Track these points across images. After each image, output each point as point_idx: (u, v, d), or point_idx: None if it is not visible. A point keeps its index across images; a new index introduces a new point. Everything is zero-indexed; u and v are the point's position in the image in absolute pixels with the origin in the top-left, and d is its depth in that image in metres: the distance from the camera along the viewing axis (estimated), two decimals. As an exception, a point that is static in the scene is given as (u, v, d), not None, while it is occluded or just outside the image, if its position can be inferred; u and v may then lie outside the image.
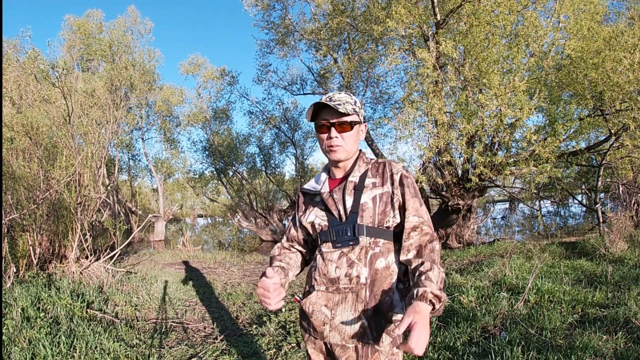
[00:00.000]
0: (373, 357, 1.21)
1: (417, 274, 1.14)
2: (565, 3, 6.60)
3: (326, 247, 1.29)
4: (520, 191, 11.22)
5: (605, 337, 2.72)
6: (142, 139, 16.06)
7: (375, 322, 1.20)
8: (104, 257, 5.27)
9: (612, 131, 6.80)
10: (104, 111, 6.06)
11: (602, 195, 8.75)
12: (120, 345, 3.03)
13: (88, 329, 3.24)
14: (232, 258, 8.48)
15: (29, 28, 14.32)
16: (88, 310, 3.82)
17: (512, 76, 6.62)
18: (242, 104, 24.50)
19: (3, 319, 3.20)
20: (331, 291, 1.26)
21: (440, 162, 7.84)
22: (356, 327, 1.21)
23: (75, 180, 4.93)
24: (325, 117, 1.29)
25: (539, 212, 13.63)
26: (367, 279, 1.22)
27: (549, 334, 2.83)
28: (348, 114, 1.28)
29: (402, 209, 1.27)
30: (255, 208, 15.31)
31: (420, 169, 7.68)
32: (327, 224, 1.30)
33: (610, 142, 7.10)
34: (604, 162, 7.30)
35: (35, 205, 4.84)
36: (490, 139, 7.58)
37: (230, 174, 15.80)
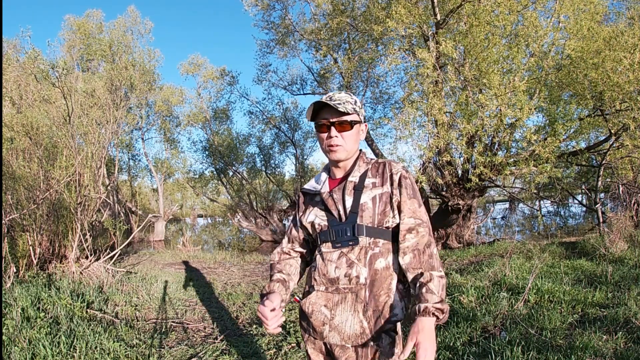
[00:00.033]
0: (373, 358, 1.21)
1: (417, 285, 1.16)
2: (565, 3, 6.60)
3: (326, 247, 1.29)
4: (520, 191, 11.22)
5: (605, 337, 2.72)
6: (142, 139, 16.08)
7: (374, 322, 1.20)
8: (104, 257, 5.27)
9: (612, 131, 6.80)
10: (104, 111, 6.06)
11: (602, 195, 8.75)
12: (120, 345, 3.03)
13: (88, 329, 3.24)
14: (232, 258, 8.48)
15: (29, 28, 14.37)
16: (88, 310, 3.82)
17: (512, 76, 6.62)
18: (242, 104, 24.51)
19: (3, 319, 3.20)
20: (331, 291, 1.26)
21: (440, 162, 7.84)
22: (356, 327, 1.21)
23: (75, 180, 4.93)
24: (325, 116, 1.29)
25: (539, 212, 13.63)
26: (366, 279, 1.22)
27: (549, 334, 2.83)
28: (348, 113, 1.27)
29: (399, 210, 1.27)
30: (255, 208, 15.32)
31: (420, 169, 7.68)
32: (326, 224, 1.30)
33: (610, 142, 7.10)
34: (604, 162, 7.30)
35: (35, 205, 4.84)
36: (490, 139, 7.58)
37: (230, 174, 15.80)
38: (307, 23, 11.62)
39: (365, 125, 1.40)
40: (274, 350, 3.07)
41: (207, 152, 15.48)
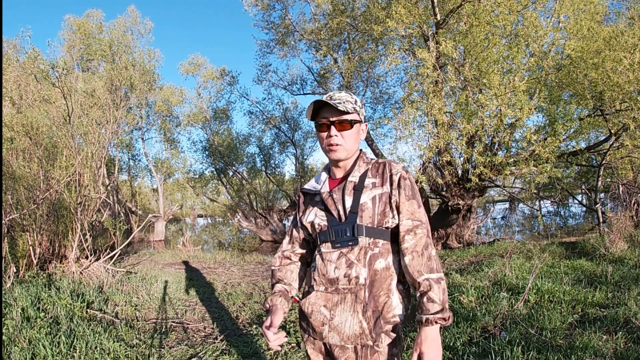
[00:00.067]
0: (372, 358, 1.21)
1: (418, 294, 1.19)
2: (565, 3, 6.60)
3: (325, 248, 1.28)
4: (520, 191, 11.22)
5: (605, 337, 2.72)
6: (142, 139, 16.09)
7: (374, 323, 1.20)
8: (104, 257, 5.27)
9: (612, 131, 6.80)
10: (104, 111, 6.06)
11: (602, 195, 8.75)
12: (120, 345, 3.03)
13: (88, 329, 3.24)
14: (232, 258, 8.48)
15: (29, 28, 14.39)
16: (88, 310, 3.82)
17: (512, 76, 6.62)
18: (242, 104, 24.51)
19: (3, 319, 3.20)
20: (330, 292, 1.25)
21: (440, 162, 7.84)
22: (355, 327, 1.20)
23: (75, 180, 4.93)
24: (325, 115, 1.29)
25: (539, 212, 13.63)
26: (366, 280, 1.21)
27: (549, 334, 2.83)
28: (348, 113, 1.27)
29: (398, 211, 1.27)
30: (255, 208, 15.32)
31: (420, 169, 7.68)
32: (326, 224, 1.30)
33: (610, 142, 7.10)
34: (604, 162, 7.30)
35: (35, 205, 4.84)
36: (490, 139, 7.58)
37: (230, 174, 15.81)
38: (307, 23, 11.63)
39: (366, 125, 1.40)
40: (274, 350, 3.07)
41: (207, 152, 15.49)
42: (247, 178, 15.63)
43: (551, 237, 8.64)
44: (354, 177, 1.31)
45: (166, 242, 14.76)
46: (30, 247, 4.88)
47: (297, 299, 1.36)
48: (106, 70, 10.48)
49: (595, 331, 2.81)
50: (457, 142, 6.94)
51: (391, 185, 1.28)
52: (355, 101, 1.31)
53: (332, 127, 1.27)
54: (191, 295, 5.00)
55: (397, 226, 1.27)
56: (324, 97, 1.28)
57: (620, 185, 7.66)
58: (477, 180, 7.14)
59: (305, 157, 15.61)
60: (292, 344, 3.13)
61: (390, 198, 1.26)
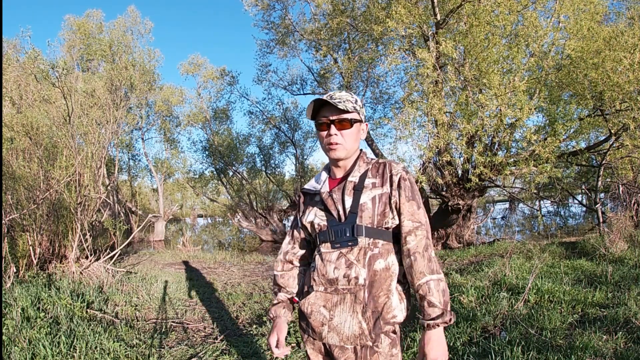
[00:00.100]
0: (372, 359, 1.21)
1: (419, 298, 1.21)
2: (565, 3, 6.60)
3: (325, 248, 1.28)
4: (520, 191, 11.22)
5: (605, 337, 2.72)
6: (142, 139, 16.09)
7: (373, 323, 1.20)
8: (104, 257, 5.27)
9: (612, 131, 6.80)
10: (104, 111, 6.06)
11: (602, 195, 8.75)
12: (120, 345, 3.03)
13: (88, 329, 3.24)
14: (232, 258, 8.48)
15: (29, 28, 14.40)
16: (88, 310, 3.82)
17: (512, 76, 6.62)
18: (242, 104, 24.50)
19: (3, 319, 3.20)
20: (330, 292, 1.25)
21: (440, 162, 7.84)
22: (355, 328, 1.20)
23: (75, 180, 4.93)
24: (325, 114, 1.29)
25: (539, 212, 13.63)
26: (365, 280, 1.21)
27: (549, 334, 2.83)
28: (348, 112, 1.27)
29: (398, 212, 1.27)
30: (255, 208, 15.32)
31: (420, 169, 7.69)
32: (326, 224, 1.29)
33: (610, 142, 7.10)
34: (604, 162, 7.30)
35: (35, 205, 4.84)
36: (490, 139, 7.58)
37: (230, 174, 15.81)
38: (307, 23, 11.64)
39: (366, 124, 1.39)
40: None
41: (207, 152, 15.49)
42: (247, 178, 15.63)
43: (551, 237, 8.64)
44: (354, 177, 1.30)
45: (166, 242, 14.77)
46: (30, 247, 4.88)
47: (297, 299, 1.35)
48: (106, 70, 10.49)
49: (595, 331, 2.81)
50: (457, 142, 6.94)
51: (391, 186, 1.27)
52: (356, 100, 1.31)
53: (332, 126, 1.27)
54: (191, 295, 5.00)
55: (397, 227, 1.27)
56: (325, 97, 1.27)
57: (620, 185, 7.66)
58: (477, 180, 7.14)
59: (305, 157, 15.64)
60: (292, 344, 3.13)
61: (390, 199, 1.26)
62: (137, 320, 3.83)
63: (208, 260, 8.10)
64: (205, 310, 4.38)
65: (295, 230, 1.45)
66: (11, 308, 3.41)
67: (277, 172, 16.25)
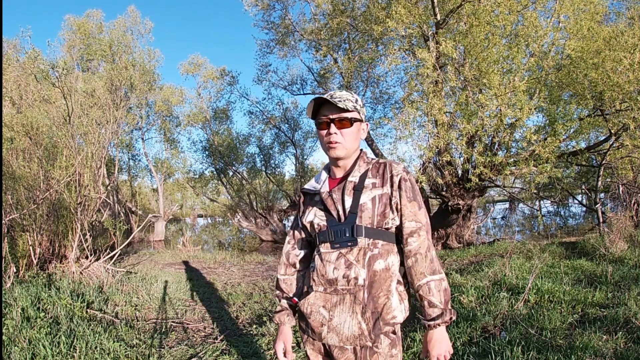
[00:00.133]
0: (371, 359, 1.21)
1: (419, 298, 1.23)
2: (565, 3, 6.60)
3: (324, 248, 1.27)
4: (520, 191, 11.22)
5: (605, 337, 2.72)
6: (142, 139, 16.09)
7: (373, 324, 1.20)
8: (104, 257, 5.27)
9: (612, 131, 6.80)
10: (104, 111, 6.06)
11: (602, 195, 8.75)
12: (120, 345, 3.03)
13: (88, 329, 3.24)
14: (232, 258, 8.48)
15: (29, 28, 14.41)
16: (88, 310, 3.82)
17: (512, 76, 6.62)
18: (242, 104, 24.53)
19: (3, 319, 3.20)
20: (329, 292, 1.25)
21: (440, 162, 7.84)
22: (354, 328, 1.20)
23: (75, 180, 4.93)
24: (325, 113, 1.29)
25: (539, 212, 13.63)
26: (365, 281, 1.21)
27: (549, 334, 2.83)
28: (348, 110, 1.27)
29: (400, 213, 1.26)
30: (255, 208, 15.32)
31: (420, 169, 7.69)
32: (325, 224, 1.29)
33: (610, 142, 7.10)
34: (604, 162, 7.30)
35: (35, 205, 4.84)
36: (490, 139, 7.58)
37: (230, 174, 15.81)
38: (307, 23, 11.63)
39: (367, 124, 1.39)
40: (274, 350, 3.07)
41: (207, 152, 15.49)
42: (247, 178, 15.63)
43: (551, 237, 8.64)
44: (354, 177, 1.30)
45: (166, 242, 14.76)
46: (30, 247, 4.88)
47: (296, 299, 1.35)
48: (106, 70, 10.49)
49: (595, 331, 2.81)
50: (457, 142, 6.94)
51: (392, 186, 1.27)
52: (356, 100, 1.31)
53: (332, 125, 1.27)
54: (191, 295, 5.01)
55: (398, 227, 1.27)
56: (325, 95, 1.27)
57: (620, 185, 7.66)
58: (477, 180, 7.14)
59: (305, 157, 15.64)
60: (292, 344, 3.13)
61: (390, 199, 1.26)
62: (137, 320, 3.83)
63: (208, 260, 8.10)
64: (205, 310, 4.38)
65: (296, 231, 1.44)
66: (11, 308, 3.41)
67: (277, 172, 16.25)
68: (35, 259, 4.91)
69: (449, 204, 8.12)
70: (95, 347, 2.96)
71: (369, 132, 9.92)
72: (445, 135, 6.83)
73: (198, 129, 16.01)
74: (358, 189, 1.27)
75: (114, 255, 5.54)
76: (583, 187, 10.08)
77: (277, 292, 1.44)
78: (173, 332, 3.62)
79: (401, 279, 1.26)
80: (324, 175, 1.39)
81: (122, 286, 4.77)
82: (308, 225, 1.36)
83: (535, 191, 9.91)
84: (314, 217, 1.33)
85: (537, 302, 3.57)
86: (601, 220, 6.82)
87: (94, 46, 14.02)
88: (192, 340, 3.40)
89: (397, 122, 7.31)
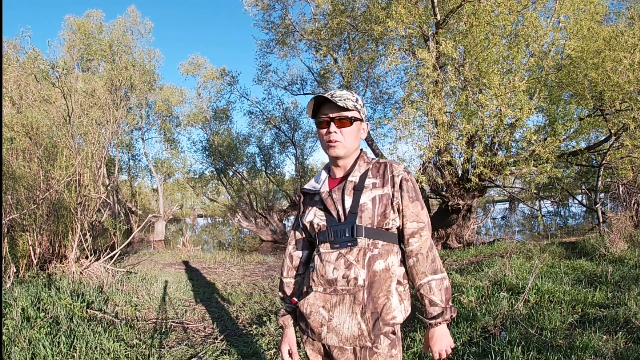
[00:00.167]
0: None
1: (420, 297, 1.25)
2: (565, 3, 6.60)
3: (324, 248, 1.27)
4: (520, 191, 11.22)
5: (605, 337, 2.72)
6: (142, 139, 16.09)
7: (373, 324, 1.20)
8: (104, 257, 5.27)
9: (612, 131, 6.80)
10: (104, 111, 6.06)
11: (602, 195, 8.75)
12: (120, 345, 3.03)
13: (88, 329, 3.24)
14: (232, 258, 8.48)
15: (29, 28, 14.41)
16: (88, 310, 3.82)
17: (512, 76, 6.62)
18: (242, 104, 24.53)
19: (3, 319, 3.20)
20: (329, 292, 1.24)
21: (440, 162, 7.84)
22: (354, 329, 1.20)
23: (75, 180, 4.93)
24: (325, 112, 1.28)
25: (539, 212, 13.63)
26: (364, 281, 1.21)
27: (549, 334, 2.83)
28: (348, 110, 1.27)
29: (401, 213, 1.26)
30: (255, 208, 15.31)
31: (420, 169, 7.69)
32: (325, 224, 1.28)
33: (610, 142, 7.10)
34: (604, 162, 7.30)
35: (35, 205, 4.84)
36: (490, 139, 7.58)
37: (230, 174, 15.81)
38: (307, 23, 11.63)
39: (367, 124, 1.39)
40: (274, 350, 3.07)
41: (207, 152, 15.49)
42: (247, 178, 15.63)
43: (551, 237, 8.64)
44: (354, 177, 1.30)
45: (166, 242, 14.76)
46: (30, 247, 4.88)
47: (295, 299, 1.35)
48: (106, 70, 10.49)
49: (595, 331, 2.81)
50: (457, 142, 6.94)
51: (392, 187, 1.27)
52: (357, 99, 1.31)
53: (332, 124, 1.27)
54: (191, 295, 5.01)
55: (399, 227, 1.27)
56: (325, 94, 1.27)
57: (620, 185, 7.66)
58: (477, 180, 7.14)
59: (305, 157, 15.63)
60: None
61: (391, 200, 1.26)
62: (137, 320, 3.83)
63: (208, 260, 8.11)
64: (205, 310, 4.38)
65: (297, 232, 1.44)
66: (11, 308, 3.41)
67: (277, 172, 16.25)
68: (35, 259, 4.91)
69: (449, 204, 8.12)
70: (95, 347, 2.96)
71: (369, 132, 9.90)
72: (445, 135, 6.83)
73: (198, 129, 16.03)
74: (358, 189, 1.27)
75: (114, 255, 5.54)
76: (583, 187, 10.08)
77: (281, 294, 1.44)
78: (173, 332, 3.62)
79: (401, 279, 1.26)
80: (324, 175, 1.39)
81: (122, 286, 4.77)
82: (308, 225, 1.35)
83: (535, 191, 9.91)
84: (314, 217, 1.33)
85: (537, 302, 3.57)
86: (601, 220, 6.82)
87: (94, 46, 14.02)
88: (192, 340, 3.40)
89: (397, 122, 7.31)
